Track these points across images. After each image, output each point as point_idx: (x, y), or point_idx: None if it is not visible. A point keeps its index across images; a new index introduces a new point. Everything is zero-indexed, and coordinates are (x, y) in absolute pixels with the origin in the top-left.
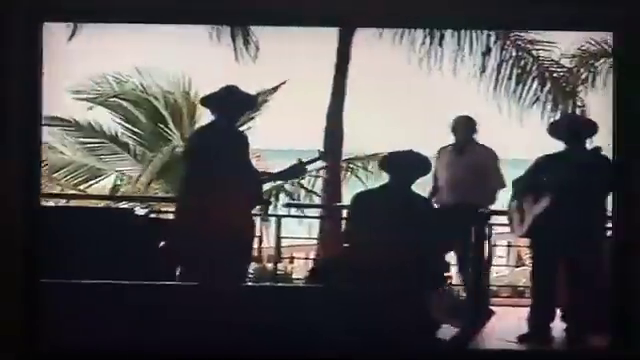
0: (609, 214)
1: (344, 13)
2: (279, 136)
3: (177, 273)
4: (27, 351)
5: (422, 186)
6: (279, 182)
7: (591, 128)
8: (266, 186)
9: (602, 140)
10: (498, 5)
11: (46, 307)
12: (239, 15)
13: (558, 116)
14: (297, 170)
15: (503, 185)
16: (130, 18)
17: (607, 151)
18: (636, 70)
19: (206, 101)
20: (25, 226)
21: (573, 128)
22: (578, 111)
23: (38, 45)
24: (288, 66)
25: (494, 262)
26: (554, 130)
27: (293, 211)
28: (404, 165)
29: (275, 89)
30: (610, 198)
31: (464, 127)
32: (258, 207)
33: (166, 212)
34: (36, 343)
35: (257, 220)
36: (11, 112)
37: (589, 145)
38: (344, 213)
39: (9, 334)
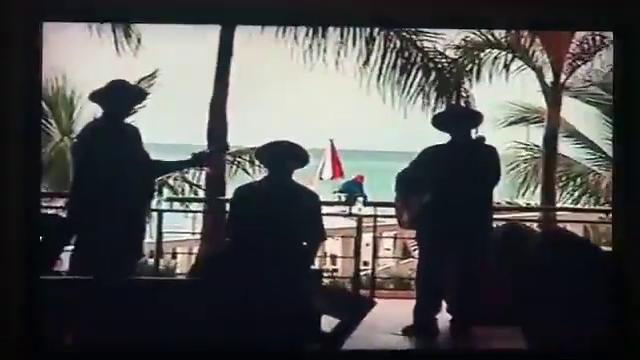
0: (494, 204)
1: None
2: (161, 130)
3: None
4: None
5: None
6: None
7: (475, 118)
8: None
9: (486, 131)
10: (497, 5)
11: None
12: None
13: (442, 107)
14: (199, 159)
15: None
16: (130, 19)
17: (490, 140)
18: (636, 70)
19: (95, 96)
20: (24, 225)
21: (456, 118)
22: (462, 102)
23: (38, 45)
24: (169, 59)
25: (380, 254)
26: (438, 122)
27: (176, 205)
28: (280, 156)
29: (151, 77)
30: (497, 188)
31: None
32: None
33: (47, 207)
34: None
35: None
36: (11, 112)
37: (474, 135)
38: (227, 207)
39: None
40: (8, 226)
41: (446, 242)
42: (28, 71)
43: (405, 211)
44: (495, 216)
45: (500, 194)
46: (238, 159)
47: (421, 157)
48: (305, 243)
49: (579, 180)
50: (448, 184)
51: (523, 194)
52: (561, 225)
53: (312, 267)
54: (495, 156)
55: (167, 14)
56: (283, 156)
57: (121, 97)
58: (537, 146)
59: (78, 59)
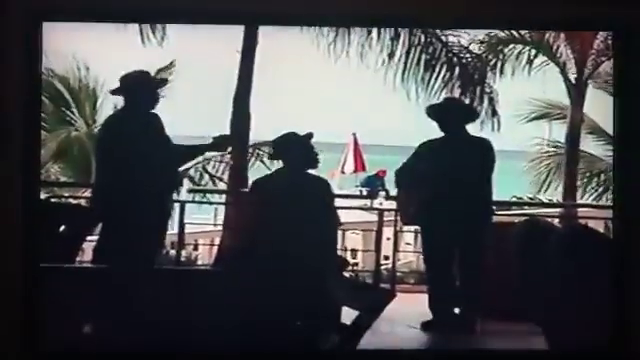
0: (491, 197)
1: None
2: (183, 121)
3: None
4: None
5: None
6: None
7: (470, 113)
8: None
9: (508, 126)
10: (498, 5)
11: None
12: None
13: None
14: (222, 143)
15: None
16: (130, 18)
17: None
18: (636, 70)
19: (119, 87)
20: (24, 223)
21: (449, 110)
22: (486, 98)
23: (38, 45)
24: (194, 50)
25: (400, 248)
26: (430, 112)
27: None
28: (291, 148)
29: (170, 67)
30: (492, 181)
31: None
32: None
33: (66, 197)
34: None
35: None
36: (11, 112)
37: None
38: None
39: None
40: (9, 225)
41: (448, 236)
42: (28, 71)
43: (406, 206)
44: (517, 212)
45: (522, 190)
46: (257, 151)
47: (418, 151)
48: (323, 231)
49: (601, 177)
50: (445, 177)
51: (545, 190)
52: (582, 222)
53: (334, 256)
54: (490, 149)
55: (168, 14)
56: (294, 148)
57: (142, 87)
58: (560, 142)
59: (103, 50)
